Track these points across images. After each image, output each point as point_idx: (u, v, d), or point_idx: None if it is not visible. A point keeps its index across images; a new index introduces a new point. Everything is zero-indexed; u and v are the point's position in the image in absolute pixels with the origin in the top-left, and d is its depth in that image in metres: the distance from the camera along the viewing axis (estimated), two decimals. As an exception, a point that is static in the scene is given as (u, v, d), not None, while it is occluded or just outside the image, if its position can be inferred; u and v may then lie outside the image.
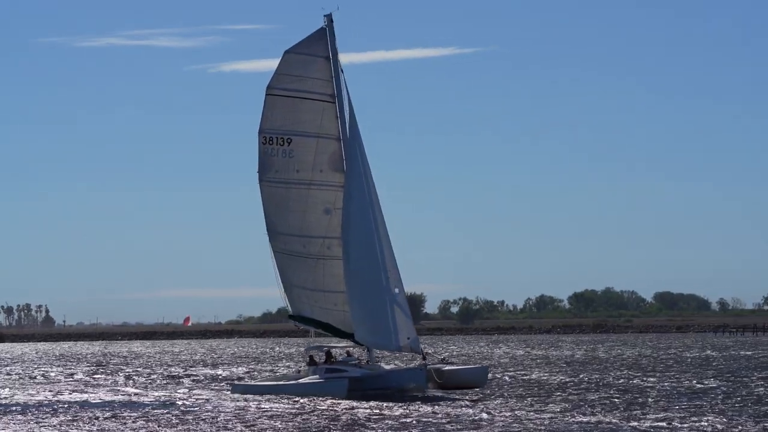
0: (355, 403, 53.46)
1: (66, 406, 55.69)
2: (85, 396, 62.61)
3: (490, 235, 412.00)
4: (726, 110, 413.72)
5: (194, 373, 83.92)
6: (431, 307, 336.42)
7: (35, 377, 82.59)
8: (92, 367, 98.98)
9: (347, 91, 61.71)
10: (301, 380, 60.36)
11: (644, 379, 67.98)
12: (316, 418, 47.37)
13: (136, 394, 62.57)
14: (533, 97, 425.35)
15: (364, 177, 60.79)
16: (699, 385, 61.30)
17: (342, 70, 61.94)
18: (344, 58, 62.90)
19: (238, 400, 56.45)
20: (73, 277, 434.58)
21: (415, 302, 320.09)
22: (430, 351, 64.60)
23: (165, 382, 73.04)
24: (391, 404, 52.70)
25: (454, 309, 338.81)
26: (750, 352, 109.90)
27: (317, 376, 60.08)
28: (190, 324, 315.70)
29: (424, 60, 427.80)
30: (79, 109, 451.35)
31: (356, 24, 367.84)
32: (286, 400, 55.66)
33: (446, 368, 60.60)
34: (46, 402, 58.10)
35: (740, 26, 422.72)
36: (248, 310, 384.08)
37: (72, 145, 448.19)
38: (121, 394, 63.11)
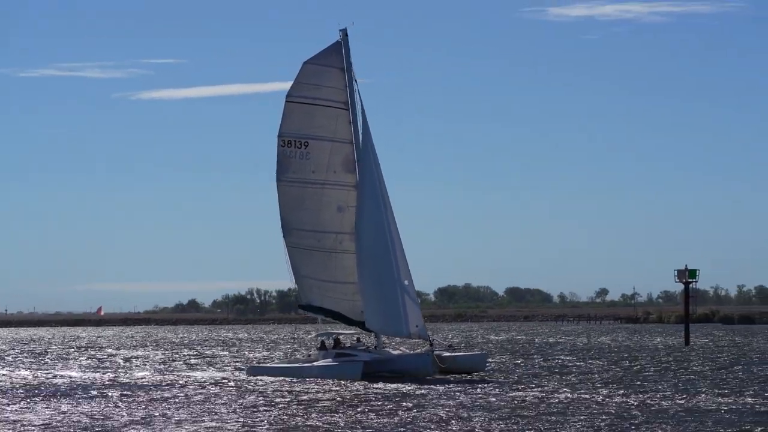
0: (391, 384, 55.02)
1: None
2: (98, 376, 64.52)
3: None
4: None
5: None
6: None
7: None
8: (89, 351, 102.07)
9: (360, 99, 63.43)
10: (316, 363, 61.48)
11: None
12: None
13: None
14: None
15: (377, 177, 62.39)
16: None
17: (356, 80, 63.56)
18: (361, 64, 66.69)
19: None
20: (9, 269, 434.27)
21: None
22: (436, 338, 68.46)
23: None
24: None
25: None
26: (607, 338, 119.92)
27: (330, 360, 61.40)
28: (102, 313, 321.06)
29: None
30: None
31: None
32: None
33: (447, 354, 62.20)
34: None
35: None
36: (163, 302, 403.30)
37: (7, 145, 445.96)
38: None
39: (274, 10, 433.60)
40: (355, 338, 65.89)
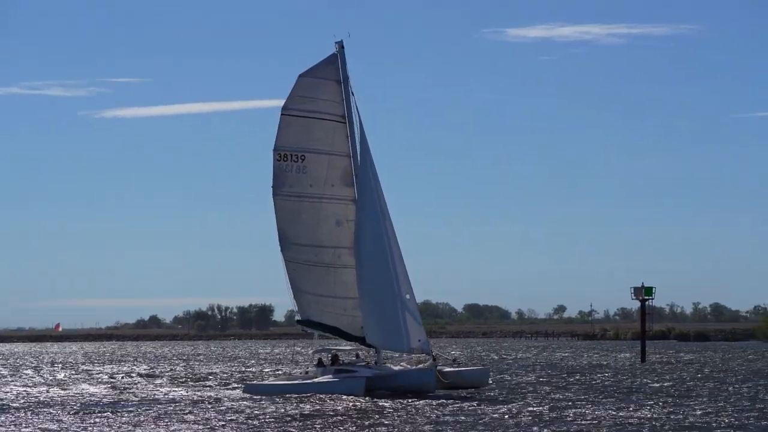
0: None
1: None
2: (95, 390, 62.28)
3: None
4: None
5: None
6: (279, 316, 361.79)
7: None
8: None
9: (358, 111, 61.86)
10: (317, 380, 59.74)
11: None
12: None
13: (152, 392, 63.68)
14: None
15: (375, 190, 60.82)
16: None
17: (353, 93, 61.94)
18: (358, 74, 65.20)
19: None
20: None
21: (265, 312, 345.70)
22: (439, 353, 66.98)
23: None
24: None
25: (299, 317, 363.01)
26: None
27: (330, 376, 59.60)
28: (60, 329, 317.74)
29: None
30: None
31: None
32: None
33: (447, 369, 60.28)
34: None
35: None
36: (124, 317, 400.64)
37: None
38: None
39: (247, 32, 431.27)
40: (354, 354, 64.16)
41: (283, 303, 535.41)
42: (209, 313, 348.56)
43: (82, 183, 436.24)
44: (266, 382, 65.50)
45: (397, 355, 74.88)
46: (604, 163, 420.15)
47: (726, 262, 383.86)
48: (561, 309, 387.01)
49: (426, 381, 59.23)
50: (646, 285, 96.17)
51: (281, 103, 62.99)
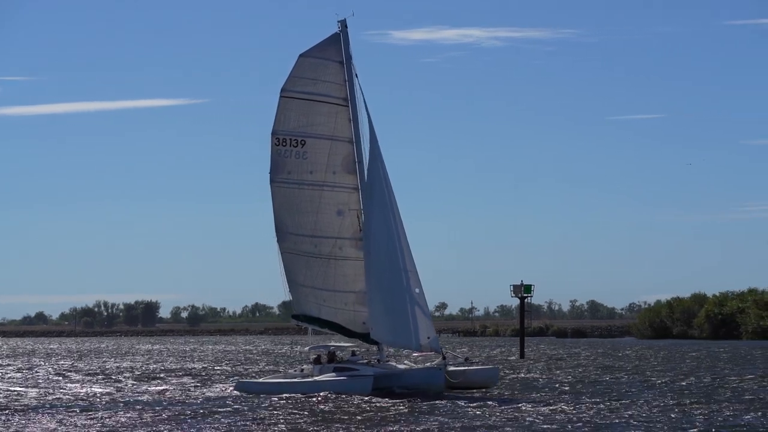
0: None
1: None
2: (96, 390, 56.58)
3: (214, 249, 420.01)
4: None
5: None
6: (165, 312, 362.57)
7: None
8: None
9: (362, 94, 57.23)
10: (321, 378, 55.27)
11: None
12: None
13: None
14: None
15: (383, 179, 56.41)
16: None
17: (356, 75, 57.44)
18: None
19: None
20: None
21: (151, 308, 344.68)
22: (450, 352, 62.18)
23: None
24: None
25: (184, 314, 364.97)
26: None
27: (333, 374, 55.28)
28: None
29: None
30: None
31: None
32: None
33: (453, 369, 56.16)
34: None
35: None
36: (10, 314, 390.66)
37: None
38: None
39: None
40: (350, 352, 59.16)
41: (169, 300, 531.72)
42: (96, 309, 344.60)
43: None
44: (261, 380, 60.04)
45: (402, 352, 70.10)
46: (483, 161, 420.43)
47: (602, 261, 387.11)
48: (442, 306, 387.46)
49: (436, 381, 54.71)
50: (525, 283, 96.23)
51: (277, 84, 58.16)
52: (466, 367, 57.62)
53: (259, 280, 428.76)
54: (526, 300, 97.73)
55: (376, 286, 56.11)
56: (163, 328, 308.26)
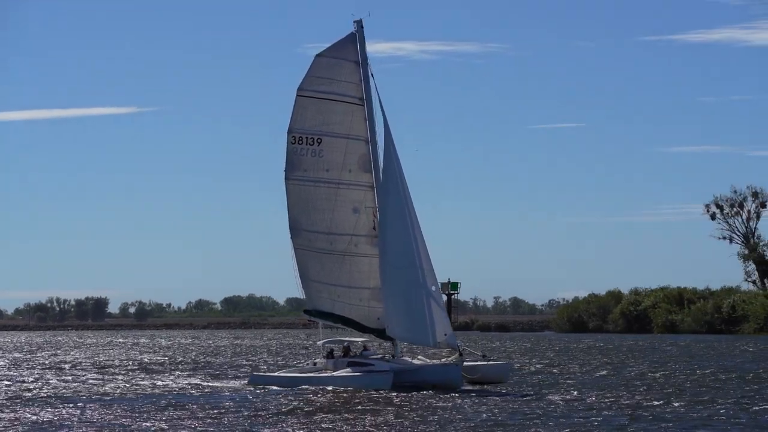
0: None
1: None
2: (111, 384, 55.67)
3: (160, 247, 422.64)
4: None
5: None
6: (113, 308, 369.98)
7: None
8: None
9: (378, 94, 57.52)
10: (338, 372, 55.53)
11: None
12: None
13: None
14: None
15: (399, 176, 56.56)
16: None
17: (372, 74, 57.59)
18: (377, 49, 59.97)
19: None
20: None
21: (101, 304, 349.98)
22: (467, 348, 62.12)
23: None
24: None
25: (132, 309, 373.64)
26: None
27: (349, 369, 55.42)
28: None
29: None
30: None
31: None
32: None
33: (468, 364, 56.28)
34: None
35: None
36: None
37: None
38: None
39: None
40: (361, 346, 59.32)
41: (117, 296, 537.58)
42: (48, 305, 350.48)
43: None
44: (277, 373, 60.04)
45: (416, 348, 70.16)
46: (419, 165, 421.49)
47: (524, 260, 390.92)
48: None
49: (452, 377, 54.84)
50: (452, 281, 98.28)
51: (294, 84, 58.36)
52: (479, 363, 57.90)
53: (202, 277, 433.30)
54: (453, 296, 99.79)
55: (391, 283, 56.25)
56: (112, 322, 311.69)
